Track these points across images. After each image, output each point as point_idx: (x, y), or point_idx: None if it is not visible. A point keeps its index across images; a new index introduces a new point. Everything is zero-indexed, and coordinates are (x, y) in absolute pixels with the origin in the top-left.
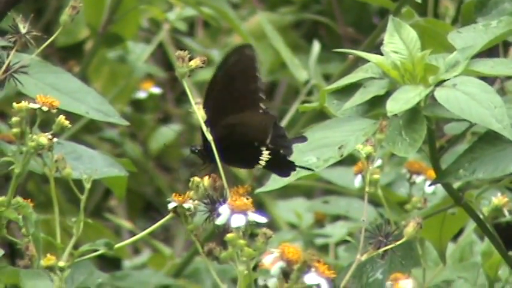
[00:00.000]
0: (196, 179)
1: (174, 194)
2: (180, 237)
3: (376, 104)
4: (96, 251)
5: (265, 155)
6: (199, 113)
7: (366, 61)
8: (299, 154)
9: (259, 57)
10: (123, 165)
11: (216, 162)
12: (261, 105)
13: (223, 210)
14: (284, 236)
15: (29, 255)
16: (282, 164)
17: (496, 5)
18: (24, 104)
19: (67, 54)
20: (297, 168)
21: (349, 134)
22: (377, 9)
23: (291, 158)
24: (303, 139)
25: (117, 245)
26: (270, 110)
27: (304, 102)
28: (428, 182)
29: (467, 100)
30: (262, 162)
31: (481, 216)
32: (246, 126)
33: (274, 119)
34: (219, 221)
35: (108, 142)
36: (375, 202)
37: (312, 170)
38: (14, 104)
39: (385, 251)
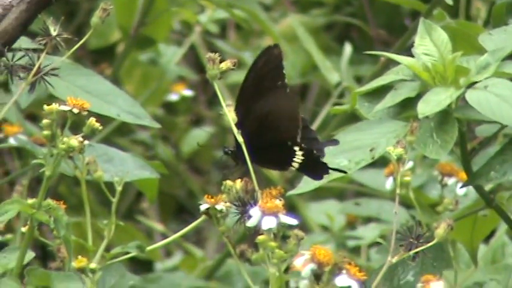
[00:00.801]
0: (229, 182)
1: (206, 196)
2: (212, 239)
3: (407, 106)
4: (127, 253)
5: (299, 156)
6: (230, 115)
7: (397, 63)
8: (331, 156)
9: (291, 59)
10: (154, 168)
11: (248, 164)
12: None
13: (255, 212)
14: (316, 238)
15: (61, 257)
16: (315, 166)
17: None
18: (54, 106)
19: (99, 57)
20: (330, 171)
21: (380, 136)
22: (408, 12)
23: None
24: (335, 142)
25: (149, 248)
26: (293, 95)
27: (335, 104)
28: (459, 184)
29: (498, 102)
30: (296, 164)
31: None
32: (274, 114)
33: (298, 99)
34: (250, 223)
35: (140, 145)
36: (406, 204)
37: (345, 172)
38: (45, 107)
39: (417, 253)
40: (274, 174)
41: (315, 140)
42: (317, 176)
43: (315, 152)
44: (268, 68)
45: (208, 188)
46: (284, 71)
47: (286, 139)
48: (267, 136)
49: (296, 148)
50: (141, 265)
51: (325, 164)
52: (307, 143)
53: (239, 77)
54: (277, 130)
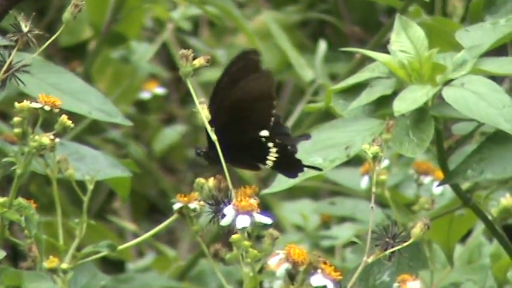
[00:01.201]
0: (201, 179)
1: (179, 195)
2: (185, 239)
3: (383, 103)
4: (99, 253)
5: (273, 153)
6: (204, 113)
7: (373, 60)
8: (305, 155)
9: (265, 57)
10: (126, 166)
11: (221, 163)
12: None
13: (228, 211)
14: (290, 238)
15: (32, 256)
16: (289, 163)
17: (504, 3)
18: (26, 103)
19: (70, 54)
20: (305, 169)
21: (355, 134)
22: (384, 8)
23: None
24: (307, 137)
25: (120, 247)
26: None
27: (310, 102)
28: (436, 183)
29: (475, 100)
30: (270, 162)
31: (490, 218)
32: (248, 94)
33: (274, 80)
34: (224, 222)
35: (111, 143)
36: (381, 203)
37: (320, 169)
38: (16, 104)
39: (392, 252)
40: (247, 173)
41: (288, 136)
42: (292, 173)
43: (289, 148)
44: (244, 74)
45: (181, 187)
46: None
47: (259, 127)
48: (239, 128)
49: (270, 144)
50: (113, 265)
51: (299, 160)
52: (280, 139)
53: (212, 74)
54: (251, 114)
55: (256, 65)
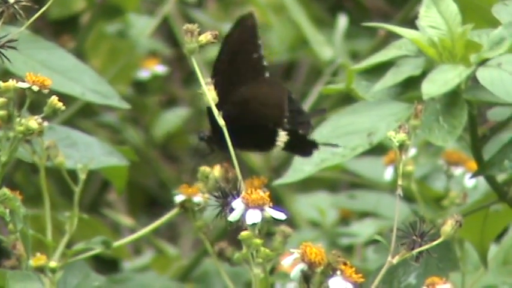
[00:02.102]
0: (206, 169)
1: (181, 186)
2: (187, 235)
3: (410, 85)
4: (91, 250)
5: (283, 137)
6: (210, 95)
7: (399, 37)
8: (323, 141)
9: (278, 32)
10: (123, 154)
11: (227, 150)
12: (266, 74)
13: (237, 204)
14: (304, 235)
15: (17, 254)
16: (302, 145)
17: None
18: (11, 83)
19: (61, 28)
20: (322, 157)
21: (379, 120)
22: None
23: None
24: (322, 112)
25: (115, 244)
26: (280, 82)
27: (328, 83)
28: (468, 175)
29: None
30: (281, 144)
31: None
32: (258, 102)
33: (288, 92)
34: (232, 217)
35: (106, 128)
36: (407, 197)
37: (337, 145)
38: (0, 83)
39: (420, 252)
40: (257, 162)
41: (300, 113)
42: (306, 153)
43: (300, 132)
44: (242, 41)
45: (183, 178)
46: (260, 42)
47: (268, 121)
48: (246, 118)
49: (279, 130)
50: (107, 264)
51: (313, 141)
52: (292, 117)
53: None
54: (260, 113)
55: (252, 30)
